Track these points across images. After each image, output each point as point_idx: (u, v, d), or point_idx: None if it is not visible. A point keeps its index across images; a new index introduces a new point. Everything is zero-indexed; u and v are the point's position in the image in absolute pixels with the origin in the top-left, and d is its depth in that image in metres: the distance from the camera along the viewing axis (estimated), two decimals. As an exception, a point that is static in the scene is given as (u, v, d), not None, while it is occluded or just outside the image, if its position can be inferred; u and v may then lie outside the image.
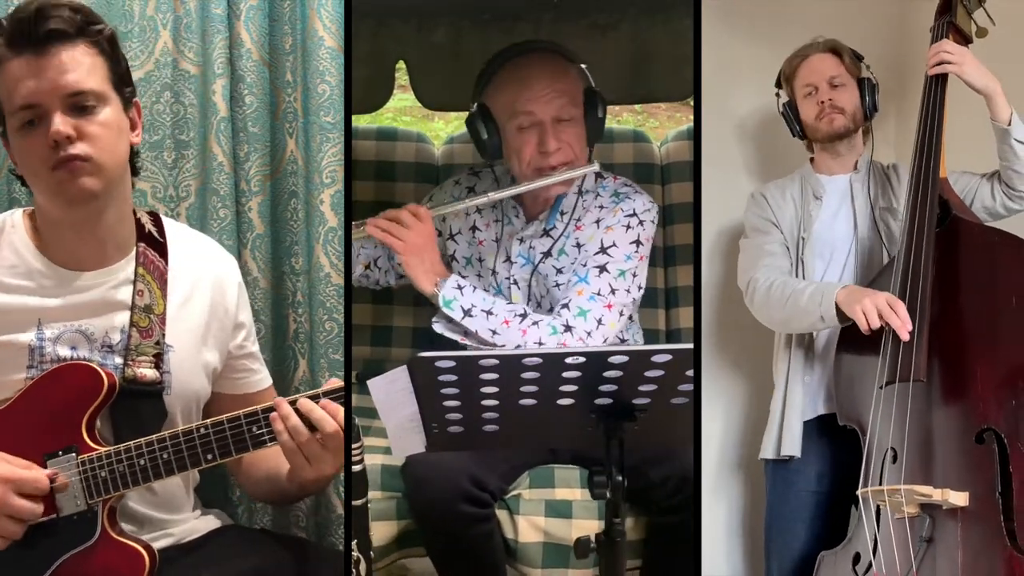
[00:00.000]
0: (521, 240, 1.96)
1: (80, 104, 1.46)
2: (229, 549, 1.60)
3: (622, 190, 1.95)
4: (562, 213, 1.93)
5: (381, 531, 1.79)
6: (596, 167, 1.89)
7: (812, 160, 2.08)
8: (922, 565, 1.58)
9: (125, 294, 1.55)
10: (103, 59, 1.50)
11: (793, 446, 1.93)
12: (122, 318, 1.54)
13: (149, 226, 1.62)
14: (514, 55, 1.92)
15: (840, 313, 1.77)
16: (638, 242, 1.89)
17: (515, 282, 1.96)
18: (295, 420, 1.43)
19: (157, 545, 1.50)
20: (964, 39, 1.88)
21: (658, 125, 4.44)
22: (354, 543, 1.49)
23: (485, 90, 1.95)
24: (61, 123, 1.44)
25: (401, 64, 2.38)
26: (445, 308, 1.85)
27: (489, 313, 1.84)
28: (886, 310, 1.69)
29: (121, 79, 1.53)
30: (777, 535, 1.98)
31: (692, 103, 1.91)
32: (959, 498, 1.57)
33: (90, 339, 1.53)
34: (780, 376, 2.00)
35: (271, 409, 1.45)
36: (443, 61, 2.31)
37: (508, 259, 1.97)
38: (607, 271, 1.86)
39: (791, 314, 1.87)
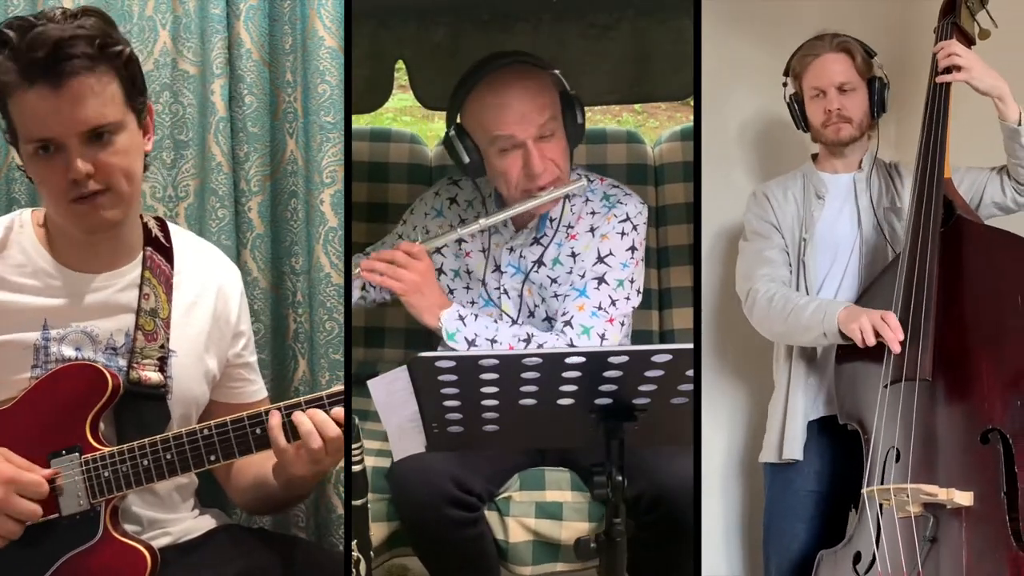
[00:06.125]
0: (511, 250, 1.94)
1: (97, 133, 1.43)
2: (227, 549, 1.59)
3: (611, 192, 1.92)
4: (551, 220, 1.92)
5: (377, 531, 1.78)
6: (584, 183, 1.87)
7: (815, 156, 2.06)
8: (926, 565, 1.58)
9: (130, 297, 1.55)
10: (119, 83, 1.46)
11: (795, 450, 1.92)
12: (127, 321, 1.54)
13: (156, 231, 1.62)
14: (485, 73, 1.85)
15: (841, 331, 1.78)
16: (633, 248, 1.88)
17: (505, 292, 1.94)
18: (308, 425, 1.43)
19: (155, 545, 1.50)
20: (967, 40, 1.87)
21: (658, 125, 4.45)
22: (354, 543, 1.49)
23: (461, 111, 1.90)
24: (80, 164, 1.41)
25: (401, 64, 2.38)
26: (449, 341, 1.82)
27: (493, 341, 1.82)
28: (879, 323, 1.70)
29: (138, 94, 1.50)
30: (775, 534, 1.98)
31: (692, 103, 1.91)
32: (964, 498, 1.57)
33: (94, 340, 1.53)
34: (781, 379, 1.99)
35: (277, 410, 1.45)
36: (443, 61, 2.30)
37: (497, 269, 1.95)
38: (606, 282, 1.85)
39: (792, 328, 1.87)
